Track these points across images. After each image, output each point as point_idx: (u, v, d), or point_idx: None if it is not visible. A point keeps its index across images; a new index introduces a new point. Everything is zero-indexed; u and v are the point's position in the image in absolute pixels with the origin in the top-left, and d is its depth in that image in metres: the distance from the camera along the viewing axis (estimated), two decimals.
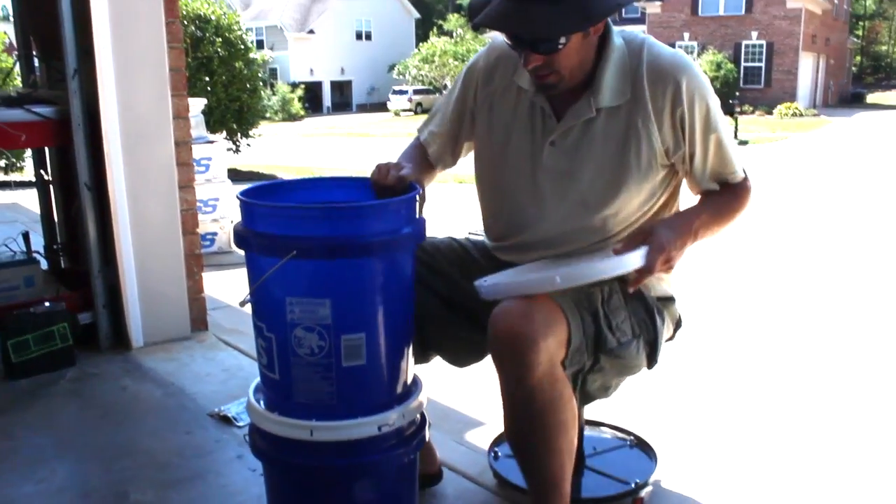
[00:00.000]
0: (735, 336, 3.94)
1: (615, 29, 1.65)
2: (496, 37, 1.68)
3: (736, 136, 18.18)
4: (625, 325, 1.65)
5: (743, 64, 31.30)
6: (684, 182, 1.75)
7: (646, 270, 1.52)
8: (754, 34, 31.26)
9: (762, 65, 31.40)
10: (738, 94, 25.92)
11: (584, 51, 1.58)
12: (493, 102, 1.77)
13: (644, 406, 2.71)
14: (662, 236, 1.53)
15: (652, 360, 1.73)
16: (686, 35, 31.91)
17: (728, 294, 4.84)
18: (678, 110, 1.60)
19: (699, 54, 30.28)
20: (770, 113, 28.55)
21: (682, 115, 1.61)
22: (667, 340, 1.82)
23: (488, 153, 1.80)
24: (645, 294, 1.72)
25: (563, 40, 1.52)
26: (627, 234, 1.66)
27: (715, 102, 1.64)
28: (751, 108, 28.51)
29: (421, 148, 1.90)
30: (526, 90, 1.70)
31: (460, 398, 2.80)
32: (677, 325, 1.86)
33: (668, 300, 1.81)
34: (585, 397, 1.68)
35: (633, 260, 1.50)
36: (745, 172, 1.72)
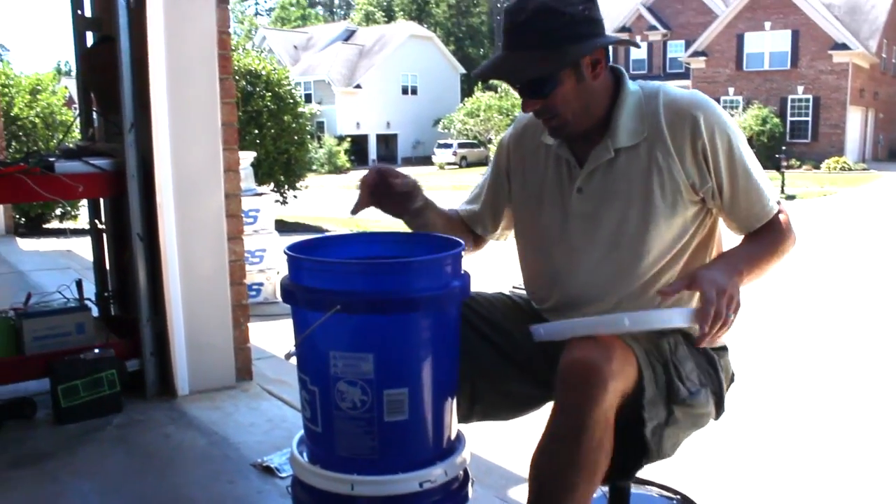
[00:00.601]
0: (785, 391, 3.86)
1: (632, 81, 1.71)
2: None
3: (783, 191, 17.97)
4: (693, 375, 1.65)
5: (789, 118, 31.12)
6: (725, 226, 1.75)
7: (716, 313, 1.48)
8: (800, 88, 31.12)
9: (809, 119, 31.17)
10: (784, 148, 25.74)
11: (584, 95, 1.63)
12: (525, 165, 1.84)
13: (691, 464, 2.65)
14: (707, 277, 1.52)
15: (719, 410, 1.71)
16: (731, 90, 31.88)
17: (776, 347, 4.75)
18: (699, 143, 1.62)
19: (744, 109, 30.19)
20: (818, 167, 28.25)
21: (704, 148, 1.62)
22: None
23: (524, 213, 1.85)
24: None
25: (553, 83, 1.60)
26: (667, 277, 1.66)
27: (738, 136, 1.66)
28: (798, 163, 28.23)
29: (456, 214, 1.98)
30: (551, 145, 1.76)
31: (504, 453, 2.77)
32: (731, 379, 1.83)
33: (723, 350, 1.79)
34: (657, 457, 1.63)
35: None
36: (779, 205, 1.71)
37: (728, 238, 1.76)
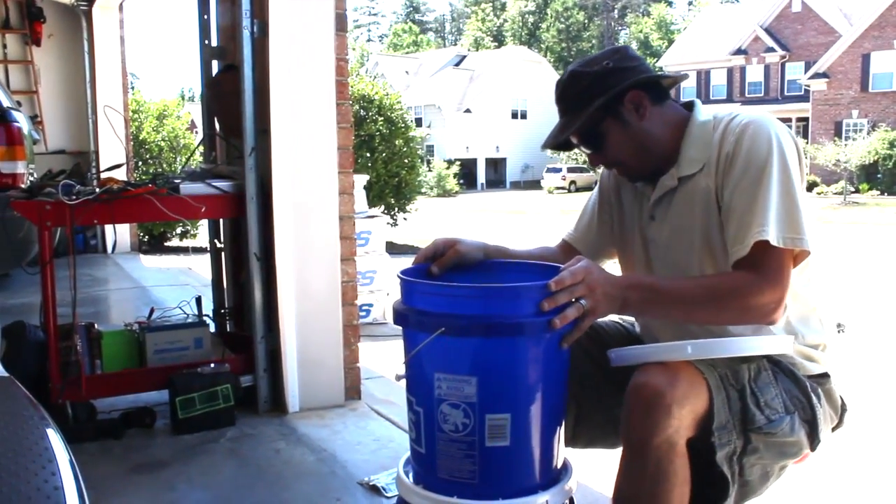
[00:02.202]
0: None
1: (707, 111, 1.72)
2: None
3: None
4: (775, 402, 1.58)
5: None
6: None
7: (569, 277, 1.46)
8: None
9: None
10: None
11: (637, 138, 1.68)
12: (622, 195, 1.90)
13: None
14: (586, 262, 1.50)
15: (813, 440, 1.63)
16: (854, 113, 30.52)
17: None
18: (726, 147, 1.60)
19: (869, 132, 28.80)
20: None
21: (728, 152, 1.59)
22: (835, 427, 1.73)
23: (621, 241, 1.91)
24: (796, 372, 1.65)
25: (599, 136, 1.69)
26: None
27: (775, 154, 1.54)
28: None
29: (561, 242, 2.01)
30: None
31: (612, 483, 2.71)
32: (842, 408, 1.75)
33: (823, 377, 1.71)
34: (745, 490, 1.60)
35: (774, 344, 1.48)
36: (780, 242, 1.50)
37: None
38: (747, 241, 1.52)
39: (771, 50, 35.98)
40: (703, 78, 37.08)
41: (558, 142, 1.76)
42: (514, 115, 44.31)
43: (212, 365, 3.07)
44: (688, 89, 35.58)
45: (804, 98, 32.34)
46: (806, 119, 31.44)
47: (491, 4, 66.98)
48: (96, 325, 3.15)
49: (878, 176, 27.26)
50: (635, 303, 1.54)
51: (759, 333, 1.62)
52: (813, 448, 1.64)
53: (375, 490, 2.45)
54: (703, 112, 1.72)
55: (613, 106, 1.67)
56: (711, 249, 1.65)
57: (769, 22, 36.46)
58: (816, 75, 31.51)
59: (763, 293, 1.50)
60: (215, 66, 3.72)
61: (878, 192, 26.39)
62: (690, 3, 66.02)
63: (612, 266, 1.95)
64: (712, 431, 1.50)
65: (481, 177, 43.10)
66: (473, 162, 42.46)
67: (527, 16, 64.69)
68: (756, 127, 1.58)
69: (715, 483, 1.53)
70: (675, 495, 1.48)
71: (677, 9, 65.48)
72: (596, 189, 2.00)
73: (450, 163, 36.65)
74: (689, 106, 1.75)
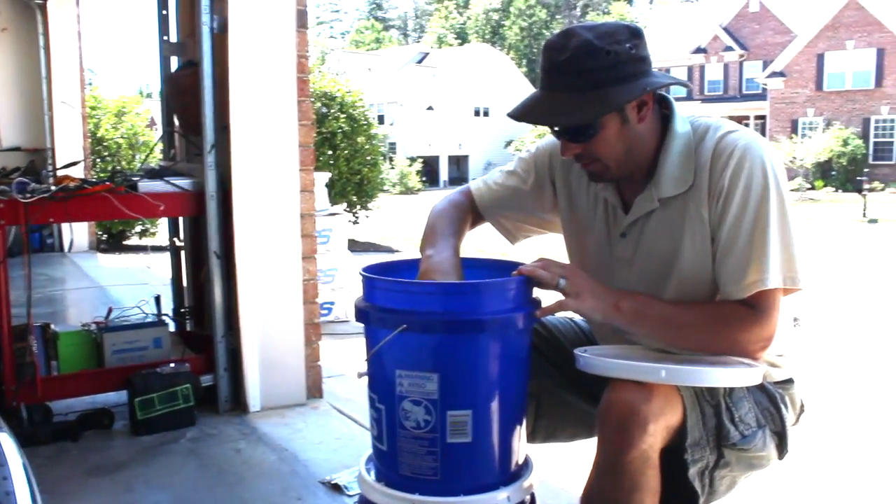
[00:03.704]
0: (863, 424, 3.72)
1: (682, 116, 1.62)
2: None
3: (865, 215, 17.38)
4: (748, 417, 1.58)
5: (872, 139, 30.07)
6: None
7: (529, 268, 1.53)
8: (885, 109, 30.07)
9: (894, 140, 30.10)
10: (866, 170, 24.89)
11: (628, 139, 1.56)
12: (572, 191, 1.79)
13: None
14: (559, 263, 1.54)
15: (782, 451, 1.64)
16: (810, 111, 31.03)
17: (855, 376, 4.58)
18: (720, 180, 1.53)
19: (824, 130, 29.34)
20: None
21: (723, 188, 1.52)
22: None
23: (573, 242, 1.83)
24: (764, 383, 1.65)
25: (594, 128, 1.53)
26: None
27: (770, 191, 1.50)
28: (881, 186, 27.27)
29: (464, 204, 1.92)
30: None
31: (573, 478, 2.73)
32: (801, 409, 1.77)
33: (787, 383, 1.72)
34: (710, 498, 1.59)
35: (746, 377, 1.47)
36: (779, 284, 1.49)
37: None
38: (746, 284, 1.50)
39: (730, 49, 36.41)
40: None
41: (550, 122, 1.58)
42: (477, 113, 44.33)
43: (171, 365, 3.04)
44: None
45: (762, 97, 32.77)
46: (764, 117, 31.88)
47: (454, 2, 66.99)
48: (52, 326, 3.10)
49: (833, 173, 27.80)
50: (628, 312, 1.53)
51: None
52: (781, 458, 1.65)
53: (337, 489, 2.44)
54: (680, 119, 1.61)
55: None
56: (696, 275, 1.59)
57: (728, 21, 36.93)
58: (773, 74, 31.96)
59: (756, 329, 1.51)
60: (175, 63, 3.67)
61: (833, 189, 26.89)
62: (651, 2, 66.63)
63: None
64: (685, 448, 1.50)
65: (444, 174, 43.04)
66: (436, 159, 42.39)
67: (490, 13, 64.81)
68: (752, 158, 1.51)
69: (683, 495, 1.53)
70: (646, 501, 1.48)
71: (637, 7, 65.98)
72: (532, 165, 1.85)
73: (412, 160, 36.55)
74: (663, 102, 1.62)
